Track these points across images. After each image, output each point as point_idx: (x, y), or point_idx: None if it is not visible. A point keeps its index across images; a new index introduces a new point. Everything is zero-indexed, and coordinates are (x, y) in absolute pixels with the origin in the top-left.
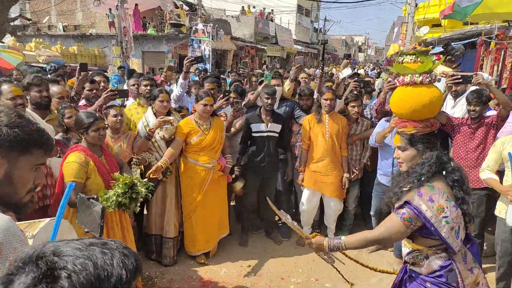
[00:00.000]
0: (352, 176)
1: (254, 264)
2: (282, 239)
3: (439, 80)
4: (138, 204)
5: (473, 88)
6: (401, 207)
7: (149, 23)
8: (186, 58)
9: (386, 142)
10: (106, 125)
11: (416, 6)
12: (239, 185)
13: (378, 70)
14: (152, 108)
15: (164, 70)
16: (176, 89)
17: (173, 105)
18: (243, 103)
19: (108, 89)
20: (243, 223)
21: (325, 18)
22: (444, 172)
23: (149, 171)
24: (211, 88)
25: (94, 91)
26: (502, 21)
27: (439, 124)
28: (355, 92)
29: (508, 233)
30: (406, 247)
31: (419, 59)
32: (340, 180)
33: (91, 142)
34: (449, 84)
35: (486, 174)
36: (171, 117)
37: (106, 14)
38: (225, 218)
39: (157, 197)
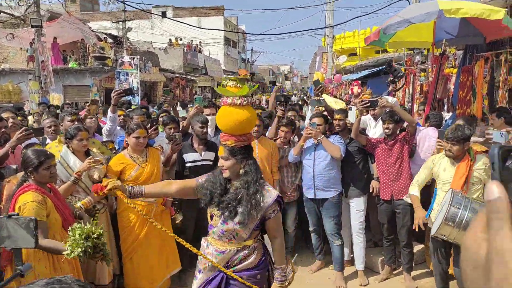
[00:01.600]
0: (287, 198)
1: None
2: None
3: (350, 109)
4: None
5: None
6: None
7: (70, 57)
8: (114, 91)
9: (303, 160)
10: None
11: (333, 37)
12: (178, 218)
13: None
14: (68, 147)
15: (88, 104)
16: (105, 124)
17: (104, 138)
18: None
19: (23, 128)
20: (182, 261)
21: (252, 49)
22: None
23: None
24: (141, 120)
25: (3, 129)
26: (407, 49)
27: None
28: (290, 118)
29: (439, 243)
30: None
31: (239, 84)
32: None
33: (41, 181)
34: (360, 109)
35: (412, 189)
36: (99, 157)
37: (21, 48)
38: (174, 254)
39: None
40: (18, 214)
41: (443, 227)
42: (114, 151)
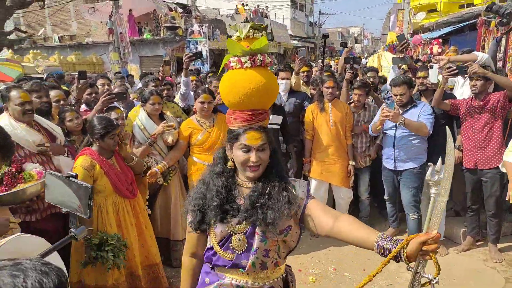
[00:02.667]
0: (359, 164)
1: None
2: None
3: (431, 67)
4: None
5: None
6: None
7: (144, 28)
8: (185, 55)
9: (385, 129)
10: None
11: None
12: None
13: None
14: (144, 110)
15: (161, 65)
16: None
17: (181, 104)
18: None
19: (106, 93)
20: None
21: (320, 11)
22: None
23: (147, 176)
24: (217, 86)
25: (94, 95)
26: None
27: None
28: (362, 80)
29: None
30: None
31: (254, 34)
32: (346, 168)
33: (104, 148)
34: (445, 76)
35: (508, 156)
36: (173, 122)
37: (102, 22)
38: None
39: (160, 201)
40: (76, 176)
41: None
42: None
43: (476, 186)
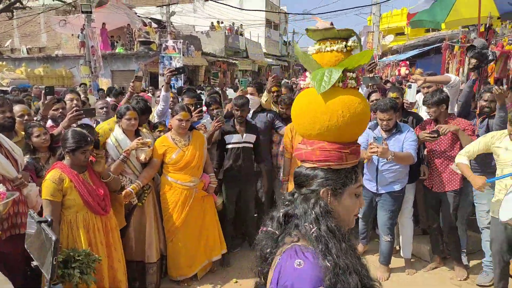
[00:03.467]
0: None
1: (242, 280)
2: None
3: (410, 87)
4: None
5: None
6: None
7: (117, 42)
8: (167, 69)
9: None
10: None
11: (380, 16)
12: (219, 201)
13: None
14: (119, 126)
15: (132, 81)
16: (158, 104)
17: (156, 120)
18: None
19: (73, 109)
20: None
21: (293, 30)
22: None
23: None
24: (190, 103)
25: (61, 110)
26: (462, 26)
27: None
28: None
29: (500, 232)
30: None
31: (341, 47)
32: None
33: (74, 163)
34: (426, 139)
35: (460, 159)
36: (148, 139)
37: (73, 35)
38: (214, 241)
39: (134, 222)
40: (50, 223)
41: None
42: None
43: (434, 205)
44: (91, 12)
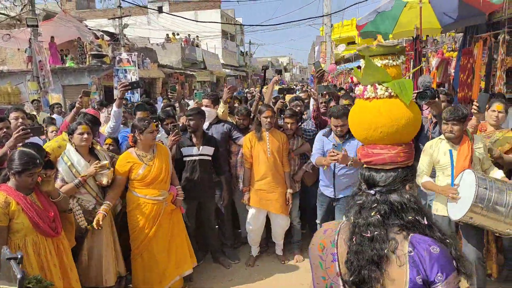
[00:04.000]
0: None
1: None
2: (231, 262)
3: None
4: None
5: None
6: None
7: (66, 56)
8: (120, 83)
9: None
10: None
11: (331, 26)
12: None
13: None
14: (71, 144)
15: (80, 96)
16: (110, 120)
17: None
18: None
19: (19, 127)
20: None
21: (250, 41)
22: (352, 220)
23: (95, 224)
24: (145, 116)
25: (5, 130)
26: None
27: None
28: (291, 109)
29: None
30: None
31: (394, 61)
32: (284, 196)
33: (20, 185)
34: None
35: (423, 178)
36: (106, 161)
37: (19, 49)
38: (184, 254)
39: (88, 245)
40: (20, 259)
41: (473, 209)
42: (112, 147)
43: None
44: (37, 26)
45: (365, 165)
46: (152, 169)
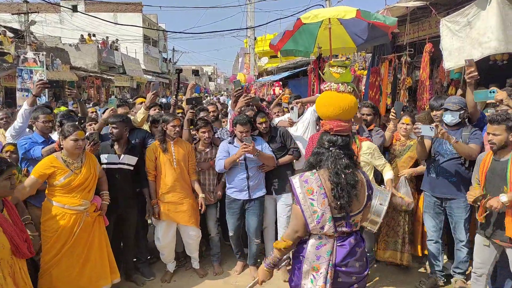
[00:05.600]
0: (208, 200)
1: None
2: (146, 279)
3: (293, 108)
4: None
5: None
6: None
7: None
8: (38, 80)
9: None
10: None
11: (255, 39)
12: None
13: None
14: None
15: None
16: (16, 120)
17: (9, 140)
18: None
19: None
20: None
21: (173, 48)
22: (332, 167)
23: None
24: (50, 120)
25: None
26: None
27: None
28: (205, 118)
29: None
30: None
31: (342, 70)
32: (193, 206)
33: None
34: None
35: (387, 175)
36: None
37: None
38: (103, 267)
39: None
40: None
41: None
42: (14, 155)
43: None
44: None
45: (331, 132)
46: (78, 177)
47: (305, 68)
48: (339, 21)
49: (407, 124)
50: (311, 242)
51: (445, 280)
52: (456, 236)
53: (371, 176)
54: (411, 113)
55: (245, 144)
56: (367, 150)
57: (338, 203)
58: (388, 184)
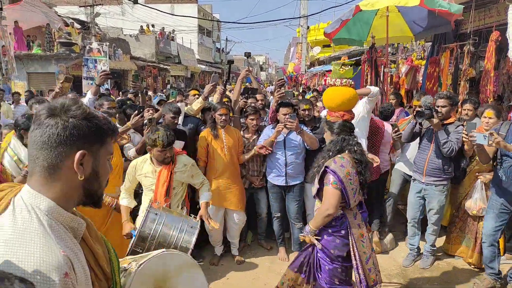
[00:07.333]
0: (257, 184)
1: None
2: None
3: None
4: None
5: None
6: (324, 175)
7: (32, 42)
8: (102, 71)
9: (275, 147)
10: None
11: (308, 28)
12: None
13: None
14: (17, 138)
15: (61, 81)
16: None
17: None
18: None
19: None
20: None
21: (226, 38)
22: (349, 150)
23: None
24: (113, 107)
25: None
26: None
27: (350, 116)
28: (254, 106)
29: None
30: (315, 207)
31: (346, 68)
32: (241, 192)
33: None
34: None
35: (120, 199)
36: None
37: None
38: None
39: None
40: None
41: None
42: None
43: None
44: (1, 9)
45: (339, 121)
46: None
47: (359, 58)
48: (397, 8)
49: (490, 118)
50: (349, 215)
51: (502, 282)
52: None
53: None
54: (495, 106)
55: (289, 120)
56: (182, 168)
57: (363, 177)
58: (203, 208)
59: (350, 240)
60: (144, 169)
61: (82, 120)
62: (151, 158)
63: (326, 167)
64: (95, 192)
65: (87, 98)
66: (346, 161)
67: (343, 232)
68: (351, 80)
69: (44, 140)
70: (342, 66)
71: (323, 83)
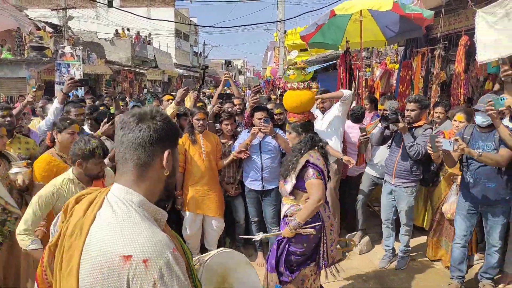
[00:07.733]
0: (232, 193)
1: None
2: None
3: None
4: None
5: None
6: (303, 171)
7: (2, 46)
8: (69, 78)
9: (251, 151)
10: None
11: (285, 32)
12: None
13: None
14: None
15: (34, 90)
16: (47, 116)
17: (41, 134)
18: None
19: None
20: None
21: (204, 42)
22: (317, 146)
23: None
24: (81, 113)
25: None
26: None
27: (311, 117)
28: (229, 110)
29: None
30: (286, 204)
31: (295, 72)
32: (220, 198)
33: None
34: (361, 141)
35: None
36: (23, 161)
37: None
38: None
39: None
40: None
41: None
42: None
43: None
44: None
45: (297, 122)
46: None
47: (335, 61)
48: (370, 13)
49: (460, 122)
50: (321, 208)
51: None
52: (489, 241)
53: None
54: (466, 109)
55: (263, 124)
56: (110, 180)
57: (327, 168)
58: None
59: (322, 233)
60: (75, 193)
61: (167, 124)
62: (75, 178)
63: (307, 161)
64: (172, 186)
65: (54, 107)
66: (318, 155)
67: (317, 227)
68: (312, 83)
69: (139, 141)
70: (303, 70)
71: (282, 86)
